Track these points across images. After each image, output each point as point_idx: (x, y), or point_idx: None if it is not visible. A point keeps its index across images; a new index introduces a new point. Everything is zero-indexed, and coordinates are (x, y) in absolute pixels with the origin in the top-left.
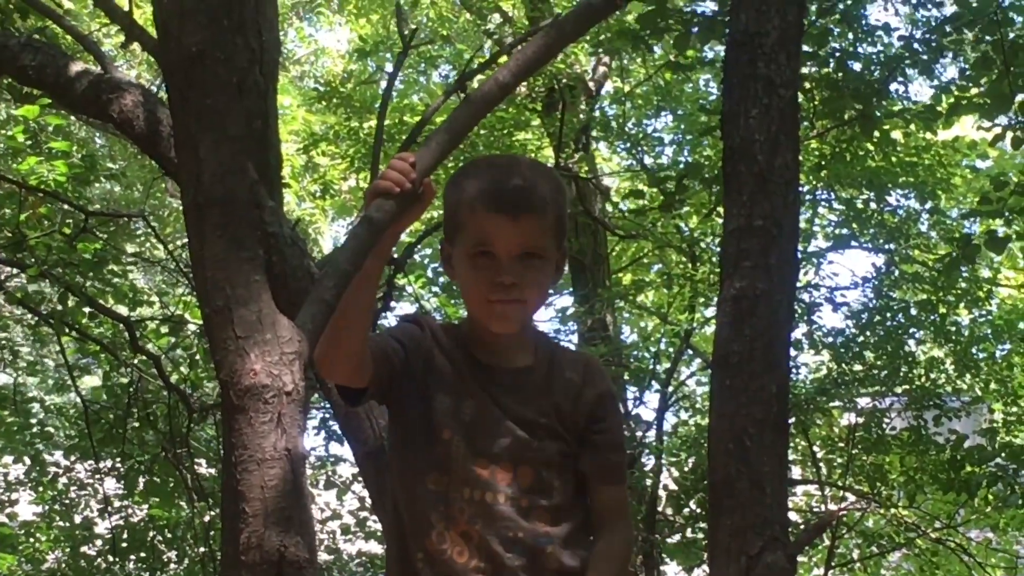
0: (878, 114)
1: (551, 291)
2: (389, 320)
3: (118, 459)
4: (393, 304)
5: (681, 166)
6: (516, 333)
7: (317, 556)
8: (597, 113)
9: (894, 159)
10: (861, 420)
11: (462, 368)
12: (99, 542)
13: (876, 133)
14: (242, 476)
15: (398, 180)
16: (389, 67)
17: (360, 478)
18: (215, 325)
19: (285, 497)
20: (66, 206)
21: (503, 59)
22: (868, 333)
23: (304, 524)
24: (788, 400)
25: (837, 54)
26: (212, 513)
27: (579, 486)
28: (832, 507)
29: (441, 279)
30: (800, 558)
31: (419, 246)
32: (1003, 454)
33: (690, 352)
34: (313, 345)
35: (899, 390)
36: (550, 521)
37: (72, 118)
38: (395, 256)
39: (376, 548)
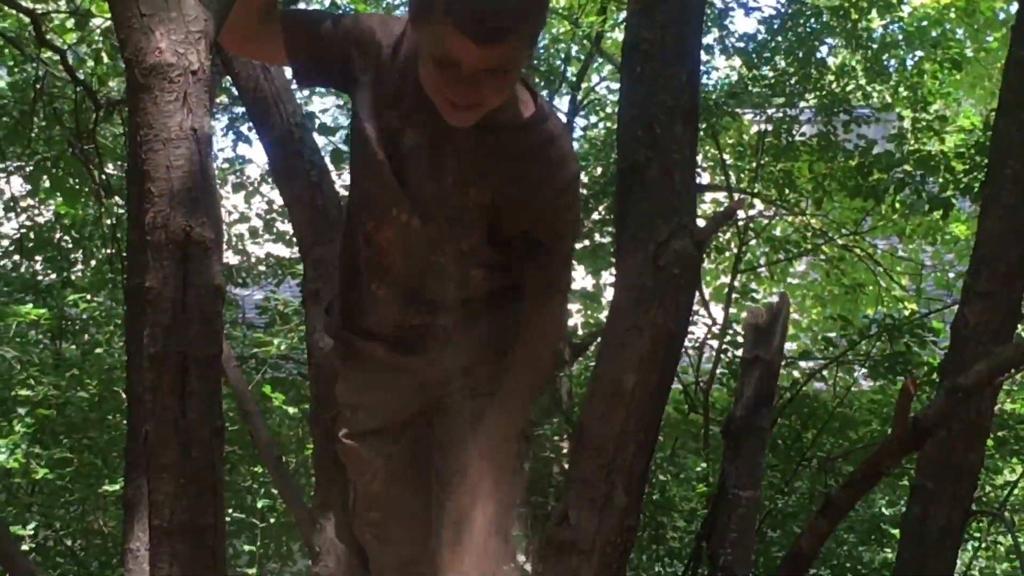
0: None
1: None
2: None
3: (23, 157)
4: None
5: None
6: None
7: (223, 238)
8: None
9: None
10: (771, 127)
11: (419, 97)
12: (5, 242)
13: None
14: (147, 156)
15: None
16: None
17: (269, 177)
18: (119, 2)
19: (191, 177)
20: None
21: None
22: (780, 39)
23: (210, 206)
24: (699, 88)
25: None
26: (120, 211)
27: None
28: (740, 212)
29: None
30: (707, 265)
31: None
32: (911, 160)
33: (601, 56)
34: (220, 25)
35: (810, 97)
36: (462, 263)
37: None
38: None
39: (283, 251)
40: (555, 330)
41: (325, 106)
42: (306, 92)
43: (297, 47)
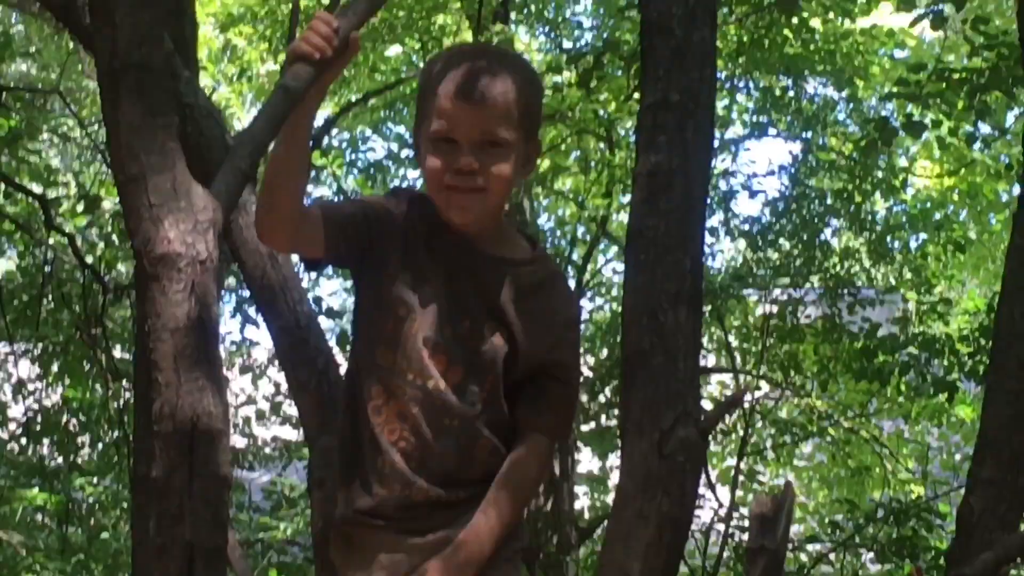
0: None
1: (518, 183)
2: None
3: (32, 340)
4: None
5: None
6: (490, 224)
7: (231, 427)
8: None
9: (812, 47)
10: (776, 309)
11: (431, 247)
12: (12, 425)
13: (794, 19)
14: (155, 345)
15: (319, 46)
16: None
17: (276, 360)
18: (129, 193)
19: (198, 366)
20: None
21: None
22: (784, 221)
23: (217, 395)
24: (702, 275)
25: None
26: (127, 395)
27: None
28: (747, 395)
29: (359, 163)
30: (713, 447)
31: (336, 129)
32: (916, 343)
33: (606, 238)
34: (227, 214)
35: (814, 279)
36: (484, 413)
37: None
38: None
39: (291, 434)
40: (540, 476)
41: (332, 289)
42: (313, 275)
43: (335, 235)
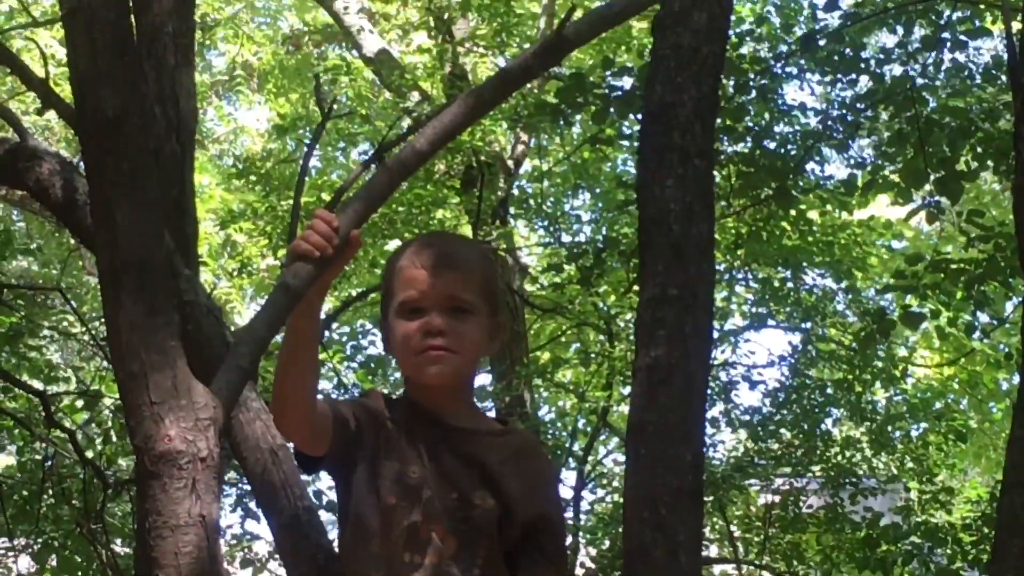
0: (794, 192)
1: (486, 357)
2: None
3: (31, 536)
4: None
5: (599, 241)
6: (458, 394)
7: None
8: (516, 191)
9: (810, 238)
10: (778, 499)
11: (410, 432)
12: None
13: (792, 212)
14: (156, 543)
15: (319, 245)
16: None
17: (276, 555)
18: (130, 391)
19: (199, 563)
20: None
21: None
22: (785, 412)
23: None
24: (703, 469)
25: (755, 130)
26: None
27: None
28: None
29: (359, 356)
30: None
31: (336, 323)
32: (918, 532)
33: (607, 430)
34: (228, 411)
35: (816, 468)
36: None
37: None
38: None
39: None
40: None
41: (333, 483)
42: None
43: (340, 431)
